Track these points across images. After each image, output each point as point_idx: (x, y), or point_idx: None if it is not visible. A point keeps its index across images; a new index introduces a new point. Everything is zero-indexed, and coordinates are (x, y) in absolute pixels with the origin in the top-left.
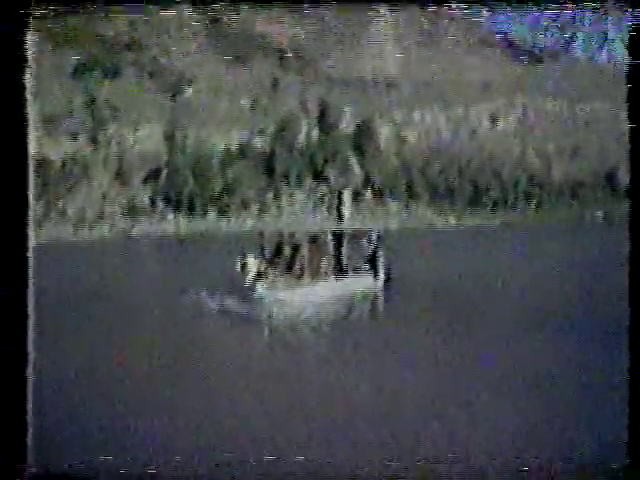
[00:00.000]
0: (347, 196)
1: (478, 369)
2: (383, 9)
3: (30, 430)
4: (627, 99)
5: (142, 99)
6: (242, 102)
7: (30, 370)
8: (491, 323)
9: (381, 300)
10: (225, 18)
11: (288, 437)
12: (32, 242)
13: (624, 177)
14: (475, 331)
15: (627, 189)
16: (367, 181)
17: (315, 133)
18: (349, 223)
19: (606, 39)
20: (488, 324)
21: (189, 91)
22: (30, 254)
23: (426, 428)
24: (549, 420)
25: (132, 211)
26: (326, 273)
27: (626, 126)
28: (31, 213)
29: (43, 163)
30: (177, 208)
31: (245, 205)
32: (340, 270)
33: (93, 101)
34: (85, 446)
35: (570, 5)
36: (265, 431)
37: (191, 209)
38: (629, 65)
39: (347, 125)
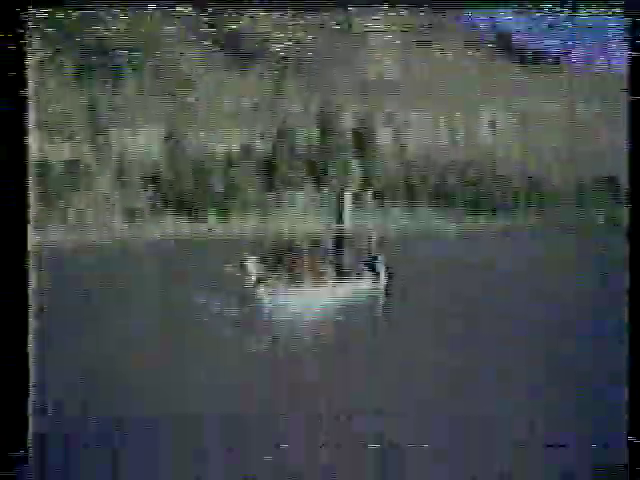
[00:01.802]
0: (347, 199)
1: (478, 373)
2: (381, 10)
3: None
4: (626, 103)
5: (142, 101)
6: (243, 105)
7: (31, 371)
8: (491, 325)
9: (382, 302)
10: (228, 21)
11: (289, 438)
12: (31, 243)
13: (624, 181)
14: (475, 333)
15: (627, 192)
16: (368, 183)
17: (315, 135)
18: (349, 226)
19: (606, 43)
20: (489, 326)
21: (190, 94)
22: (29, 255)
23: (427, 425)
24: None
25: (131, 213)
26: (327, 276)
27: (625, 130)
28: (31, 215)
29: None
30: (177, 211)
31: (245, 208)
32: (341, 273)
33: (94, 104)
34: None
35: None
36: (266, 433)
37: (191, 212)
38: (628, 69)
39: (347, 127)
